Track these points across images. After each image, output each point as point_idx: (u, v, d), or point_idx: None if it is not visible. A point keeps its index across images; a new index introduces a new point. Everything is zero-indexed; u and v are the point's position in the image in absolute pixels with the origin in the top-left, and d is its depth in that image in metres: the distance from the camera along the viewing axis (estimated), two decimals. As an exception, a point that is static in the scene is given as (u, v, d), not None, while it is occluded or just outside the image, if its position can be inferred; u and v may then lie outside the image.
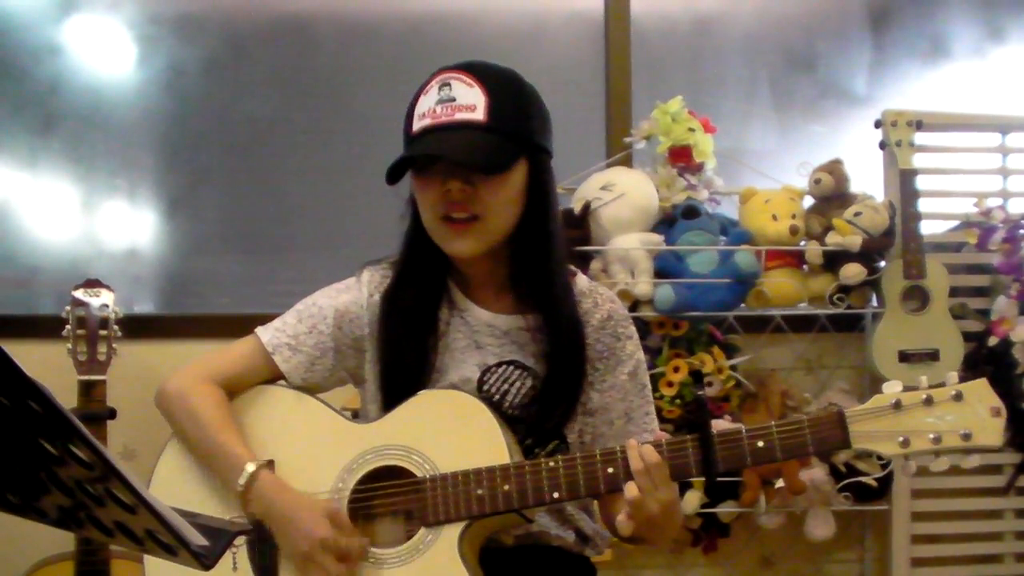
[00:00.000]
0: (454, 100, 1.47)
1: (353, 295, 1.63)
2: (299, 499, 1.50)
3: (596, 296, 1.64)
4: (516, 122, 1.49)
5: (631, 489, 1.42)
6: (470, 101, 1.46)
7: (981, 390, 1.43)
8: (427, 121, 1.48)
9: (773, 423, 1.45)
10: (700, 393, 1.54)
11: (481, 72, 1.49)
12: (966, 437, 1.41)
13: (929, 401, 1.42)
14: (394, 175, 1.49)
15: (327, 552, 1.45)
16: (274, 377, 1.62)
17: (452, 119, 1.46)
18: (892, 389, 1.44)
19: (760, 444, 1.44)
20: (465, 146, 1.46)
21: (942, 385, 1.44)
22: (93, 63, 2.93)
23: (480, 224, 1.50)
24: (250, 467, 1.50)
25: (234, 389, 1.62)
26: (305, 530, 1.46)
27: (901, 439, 1.42)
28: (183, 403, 1.58)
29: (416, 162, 1.50)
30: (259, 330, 1.64)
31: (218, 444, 1.54)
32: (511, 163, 1.49)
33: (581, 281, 1.65)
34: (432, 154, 1.48)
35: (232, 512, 1.56)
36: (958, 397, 1.42)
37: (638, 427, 1.62)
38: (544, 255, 1.56)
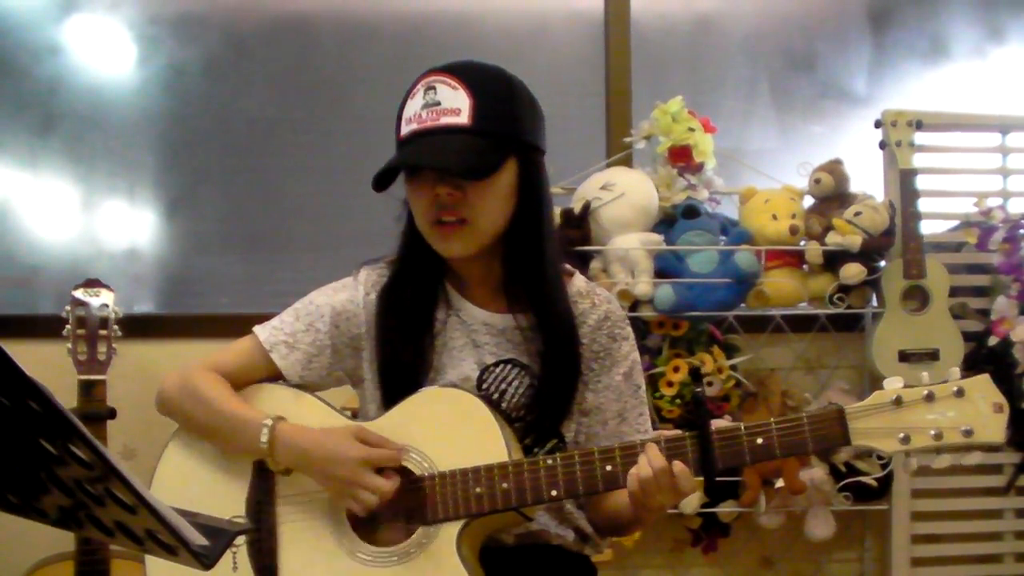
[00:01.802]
0: (439, 104, 1.47)
1: (350, 293, 1.63)
2: (323, 433, 1.51)
3: (593, 296, 1.64)
4: (503, 123, 1.49)
5: (632, 483, 1.42)
6: (455, 104, 1.46)
7: (983, 386, 1.41)
8: (413, 126, 1.48)
9: (772, 420, 1.44)
10: (699, 390, 1.55)
11: (466, 73, 1.49)
12: (967, 434, 1.39)
13: (930, 397, 1.41)
14: (381, 183, 1.50)
15: (368, 470, 1.46)
16: (271, 375, 1.62)
17: (437, 124, 1.46)
18: (893, 385, 1.43)
19: (759, 441, 1.43)
20: (449, 152, 1.46)
21: (944, 381, 1.42)
22: (93, 63, 2.93)
23: (470, 227, 1.50)
24: (268, 422, 1.51)
25: (232, 385, 1.61)
26: (340, 457, 1.47)
27: (901, 436, 1.41)
28: (186, 390, 1.59)
29: (404, 168, 1.51)
30: (256, 328, 1.64)
31: (229, 414, 1.55)
32: (497, 166, 1.49)
33: (578, 281, 1.65)
34: (414, 164, 1.49)
35: (233, 512, 1.56)
36: (960, 393, 1.40)
37: (631, 427, 1.62)
38: (537, 253, 1.56)
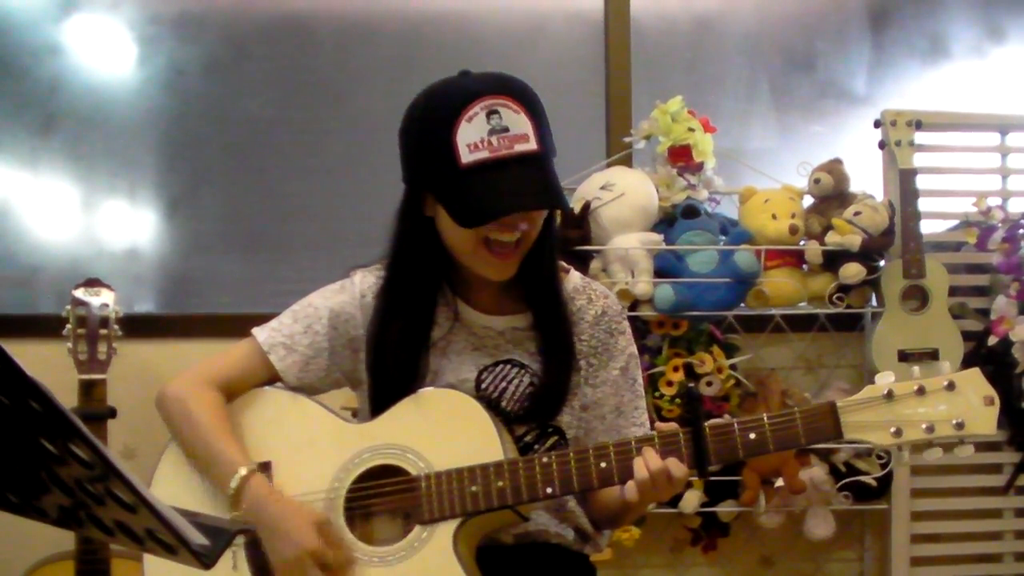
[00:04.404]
0: (507, 130, 1.43)
1: (347, 295, 1.63)
2: (289, 506, 1.49)
3: (590, 292, 1.64)
4: (551, 137, 1.49)
5: (631, 492, 1.43)
6: (522, 129, 1.43)
7: (974, 379, 1.43)
8: (484, 154, 1.42)
9: (765, 415, 1.45)
10: (692, 385, 1.55)
11: (516, 92, 1.46)
12: (959, 426, 1.41)
13: (921, 391, 1.42)
14: (476, 220, 1.45)
15: (313, 563, 1.45)
16: (271, 378, 1.62)
17: (512, 152, 1.43)
18: (884, 380, 1.44)
19: (752, 436, 1.44)
20: (548, 188, 1.45)
21: (935, 376, 1.43)
22: (93, 63, 2.93)
23: (524, 246, 1.51)
24: (242, 470, 1.50)
25: (234, 392, 1.62)
26: (294, 538, 1.45)
27: (893, 429, 1.42)
28: (181, 407, 1.58)
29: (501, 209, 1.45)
30: (255, 330, 1.64)
31: (213, 447, 1.54)
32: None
33: (574, 278, 1.66)
34: (532, 207, 1.47)
35: (232, 511, 1.56)
36: (951, 387, 1.42)
37: (628, 421, 1.63)
38: (549, 257, 1.58)
